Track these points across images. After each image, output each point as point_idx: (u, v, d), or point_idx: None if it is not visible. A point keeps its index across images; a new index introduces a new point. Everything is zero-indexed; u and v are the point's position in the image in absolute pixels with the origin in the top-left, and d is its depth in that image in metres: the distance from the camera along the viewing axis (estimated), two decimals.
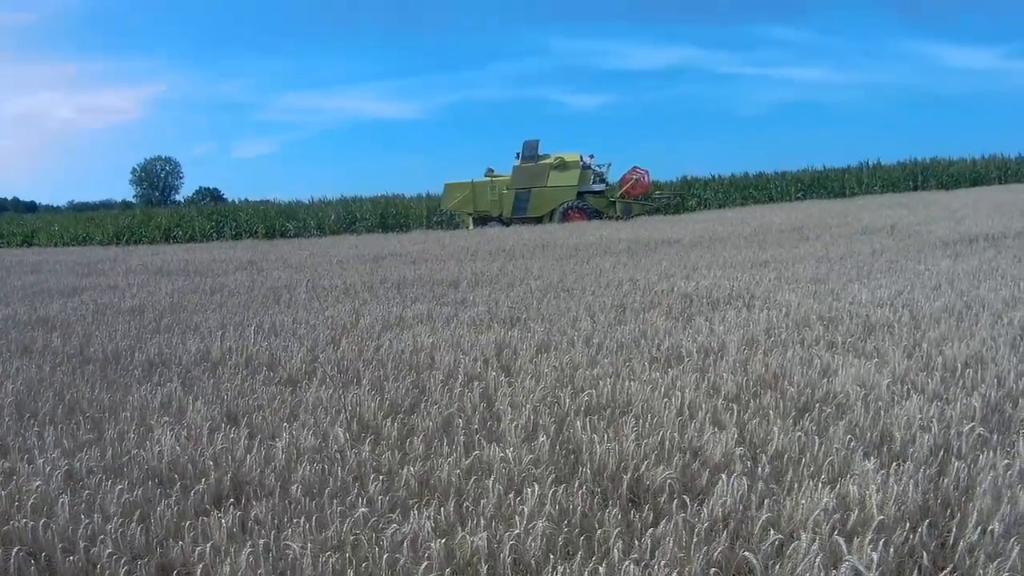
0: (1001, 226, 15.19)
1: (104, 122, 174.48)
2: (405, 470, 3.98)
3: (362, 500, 3.69)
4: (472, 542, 3.19)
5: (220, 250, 24.99)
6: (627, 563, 2.98)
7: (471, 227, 31.57)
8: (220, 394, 5.65)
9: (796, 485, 3.59)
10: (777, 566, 2.98)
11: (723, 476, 3.61)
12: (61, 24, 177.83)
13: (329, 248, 22.40)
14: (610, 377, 5.46)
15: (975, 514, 3.20)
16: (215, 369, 6.47)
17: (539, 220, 30.66)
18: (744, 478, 3.60)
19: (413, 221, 38.34)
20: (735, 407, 4.68)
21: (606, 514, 3.42)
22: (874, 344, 6.12)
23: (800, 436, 4.13)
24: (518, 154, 32.32)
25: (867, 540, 3.01)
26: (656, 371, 5.63)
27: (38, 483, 3.96)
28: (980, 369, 5.24)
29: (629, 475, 3.82)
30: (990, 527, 3.10)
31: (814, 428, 4.30)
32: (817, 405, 4.66)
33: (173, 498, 3.80)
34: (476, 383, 5.50)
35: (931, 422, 4.22)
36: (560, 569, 3.03)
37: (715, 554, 3.04)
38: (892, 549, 2.99)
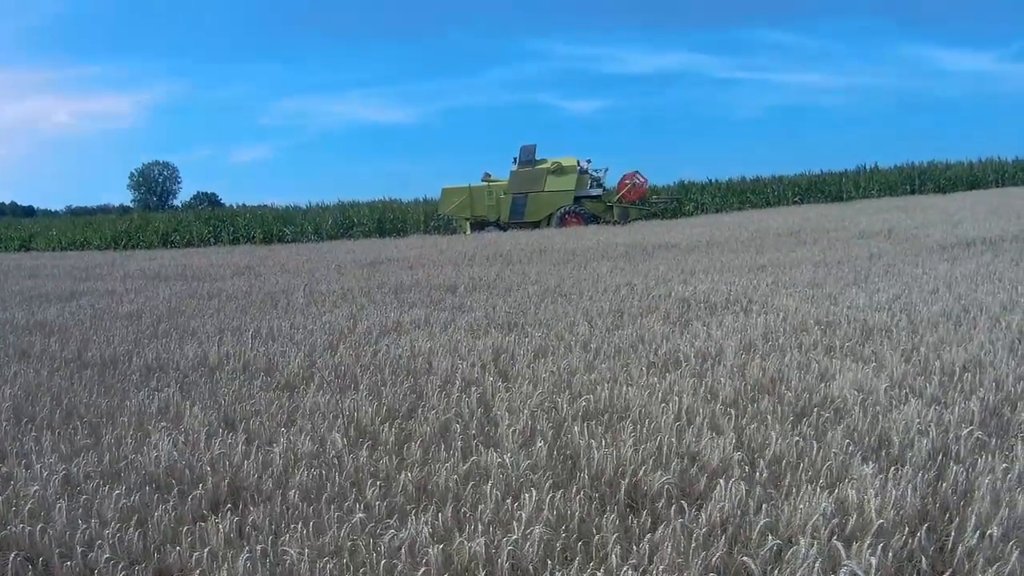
0: (998, 229, 15.20)
1: (102, 127, 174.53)
2: (403, 475, 3.98)
3: (360, 505, 3.69)
4: (470, 548, 3.19)
5: (218, 255, 24.99)
6: (625, 568, 2.98)
7: (468, 232, 31.58)
8: (217, 399, 5.64)
9: (794, 490, 3.59)
10: (776, 571, 2.97)
11: (721, 481, 3.61)
12: (59, 29, 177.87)
13: (326, 253, 22.39)
14: (608, 382, 5.46)
15: (974, 518, 3.20)
16: (212, 374, 6.46)
17: (536, 225, 30.70)
18: (742, 483, 3.59)
19: (410, 226, 38.32)
20: (733, 412, 4.68)
21: (604, 519, 3.41)
22: (872, 348, 6.12)
23: (798, 441, 4.13)
24: (515, 159, 32.37)
25: (866, 545, 3.01)
26: (654, 376, 5.62)
27: (35, 488, 3.95)
28: (978, 373, 5.24)
29: (627, 480, 3.81)
30: (989, 531, 3.10)
31: (812, 433, 4.29)
32: (815, 409, 4.66)
33: (170, 503, 3.79)
34: (473, 388, 5.50)
35: (929, 426, 4.22)
36: (558, 575, 3.03)
37: (713, 559, 3.04)
38: (891, 554, 2.98)
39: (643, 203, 33.11)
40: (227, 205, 62.01)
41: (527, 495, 3.58)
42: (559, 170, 31.41)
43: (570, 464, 4.13)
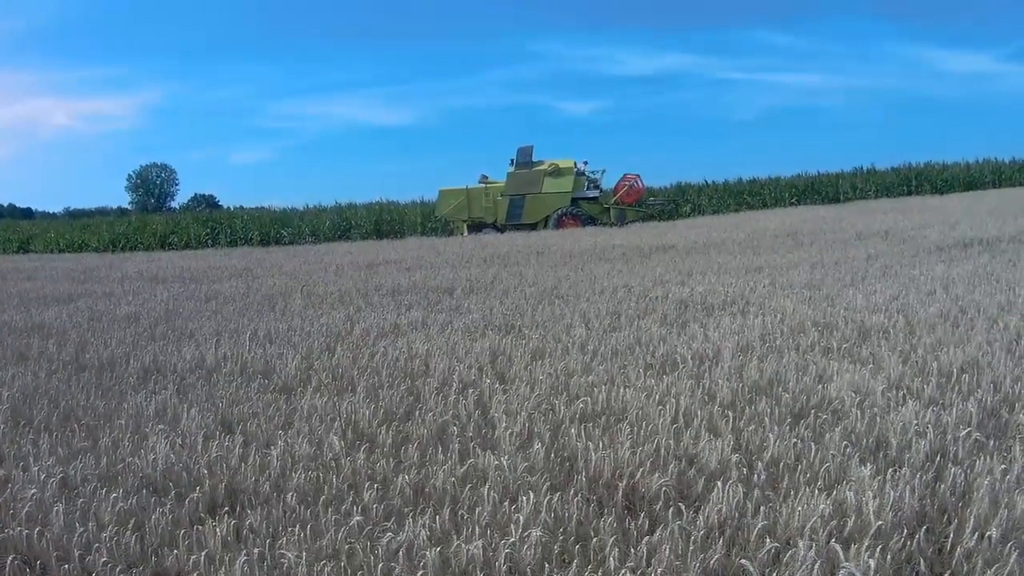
0: (995, 230, 15.22)
1: (100, 129, 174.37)
2: (400, 478, 3.97)
3: (357, 508, 3.68)
4: (467, 551, 3.18)
5: (215, 257, 24.99)
6: (623, 571, 2.98)
7: (466, 234, 31.58)
8: (215, 402, 5.64)
9: (792, 492, 3.59)
10: (774, 574, 2.97)
11: (719, 483, 3.60)
12: (57, 31, 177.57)
13: (324, 255, 22.38)
14: (605, 384, 5.45)
15: (972, 520, 3.20)
16: (210, 376, 6.45)
17: (533, 227, 30.72)
18: (740, 485, 3.59)
19: (408, 228, 38.35)
20: (730, 414, 4.67)
21: (602, 522, 3.41)
22: (869, 350, 6.12)
23: (796, 443, 4.13)
24: (512, 160, 32.39)
25: (864, 547, 3.00)
26: (651, 378, 5.62)
27: (33, 491, 3.94)
28: (976, 374, 5.24)
29: (625, 483, 3.81)
30: (988, 533, 3.09)
31: (810, 434, 4.29)
32: (813, 411, 4.66)
33: (168, 506, 3.79)
34: (471, 390, 5.49)
35: (927, 428, 4.22)
36: None
37: (711, 562, 3.04)
38: (889, 556, 2.98)
39: (640, 205, 33.13)
40: (225, 207, 61.97)
41: (525, 498, 3.57)
42: (556, 172, 31.44)
43: (568, 466, 4.13)
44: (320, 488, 3.97)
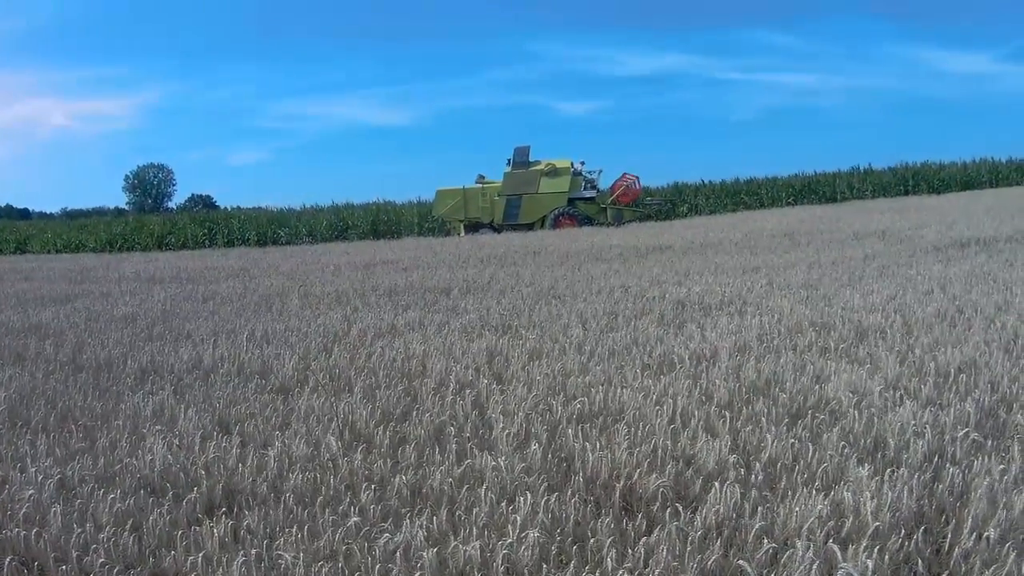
0: (992, 230, 15.24)
1: (97, 129, 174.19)
2: (397, 479, 3.97)
3: (354, 509, 3.68)
4: (465, 551, 3.18)
5: (212, 257, 24.97)
6: (621, 572, 2.98)
7: (462, 234, 31.60)
8: (212, 402, 5.63)
9: (790, 492, 3.58)
10: (772, 574, 2.97)
11: (716, 484, 3.60)
12: (55, 31, 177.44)
13: (321, 255, 22.38)
14: (602, 384, 5.45)
15: (970, 520, 3.20)
16: (207, 377, 6.45)
17: (530, 227, 30.74)
18: (737, 486, 3.59)
19: (404, 228, 38.36)
20: (728, 414, 4.67)
21: (599, 523, 3.41)
22: (867, 350, 6.13)
23: (793, 443, 4.13)
24: (509, 160, 32.40)
25: (862, 547, 3.01)
26: (648, 378, 5.62)
27: (30, 492, 3.94)
28: (974, 374, 5.25)
29: (622, 483, 3.81)
30: (986, 533, 3.10)
31: (807, 435, 4.29)
32: (810, 412, 4.66)
33: (165, 507, 3.78)
34: (468, 391, 5.49)
35: (925, 428, 4.22)
36: None
37: (709, 563, 3.04)
38: (887, 556, 2.98)
39: (637, 205, 33.15)
40: (222, 207, 61.88)
41: (522, 498, 3.57)
42: (553, 172, 31.45)
43: (565, 467, 4.12)
44: (317, 489, 3.97)
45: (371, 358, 6.76)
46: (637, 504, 3.70)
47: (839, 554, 2.96)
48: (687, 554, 3.07)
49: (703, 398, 5.10)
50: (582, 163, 32.47)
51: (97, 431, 5.05)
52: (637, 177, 32.81)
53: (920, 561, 3.00)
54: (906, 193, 41.02)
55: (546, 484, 3.80)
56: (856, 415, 4.51)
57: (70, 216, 69.26)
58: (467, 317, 8.81)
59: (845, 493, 3.48)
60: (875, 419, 4.46)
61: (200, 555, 3.28)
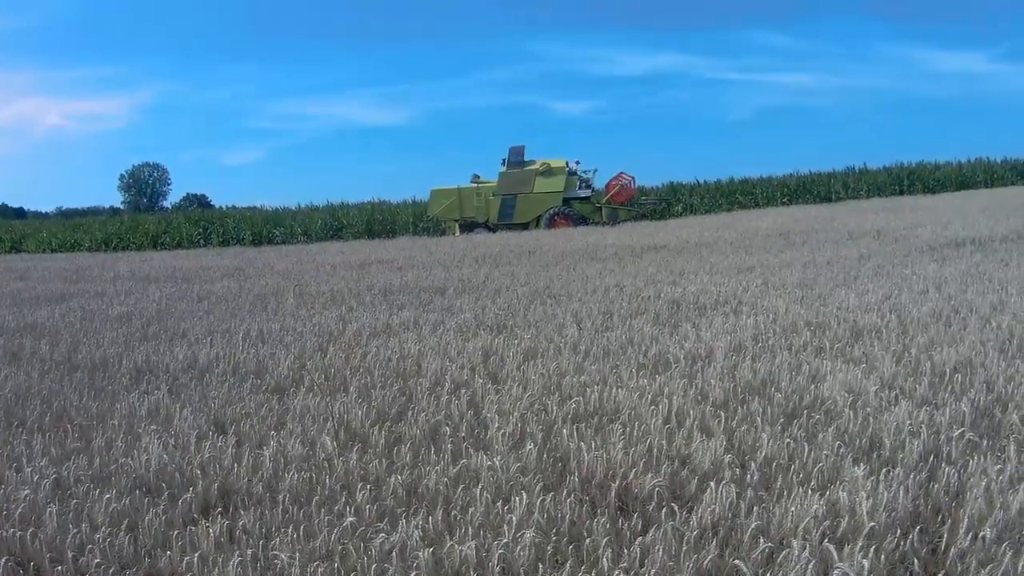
0: (987, 230, 15.27)
1: (93, 129, 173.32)
2: (393, 479, 3.96)
3: (350, 509, 3.68)
4: (460, 551, 3.18)
5: (207, 257, 24.94)
6: (616, 572, 2.98)
7: (457, 233, 31.56)
8: (207, 402, 5.62)
9: (785, 492, 3.59)
10: (768, 574, 2.97)
11: (712, 484, 3.60)
12: (50, 31, 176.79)
13: (316, 255, 22.35)
14: (597, 384, 5.45)
15: (966, 520, 3.21)
16: (202, 377, 6.44)
17: (525, 226, 30.71)
18: (733, 486, 3.59)
19: (400, 228, 38.27)
20: (723, 414, 4.68)
21: (595, 523, 3.41)
22: (862, 349, 6.13)
23: (789, 443, 4.13)
24: (504, 160, 32.35)
25: (858, 547, 3.01)
26: (644, 378, 5.62)
27: (26, 492, 3.94)
28: (969, 374, 5.25)
29: (617, 483, 3.81)
30: (981, 533, 3.10)
31: (803, 435, 4.29)
32: (806, 411, 4.66)
33: (161, 507, 3.78)
34: (463, 391, 5.48)
35: (921, 427, 4.22)
36: None
37: (705, 562, 3.04)
38: (883, 556, 2.99)
39: (632, 204, 33.14)
40: (217, 207, 61.75)
41: (517, 498, 3.57)
42: (548, 171, 31.42)
43: (560, 467, 4.12)
44: (313, 489, 3.96)
45: (366, 358, 6.76)
46: (633, 504, 3.70)
47: (835, 554, 2.97)
48: (683, 554, 3.08)
49: (698, 398, 5.10)
50: (577, 163, 32.46)
51: (92, 431, 5.04)
52: (632, 177, 32.83)
53: (916, 561, 3.01)
54: (901, 193, 41.04)
55: (542, 484, 3.81)
56: (852, 415, 4.51)
57: (65, 215, 69.11)
58: (462, 317, 8.81)
59: (841, 493, 3.48)
60: (871, 419, 4.46)
61: (196, 555, 3.28)
